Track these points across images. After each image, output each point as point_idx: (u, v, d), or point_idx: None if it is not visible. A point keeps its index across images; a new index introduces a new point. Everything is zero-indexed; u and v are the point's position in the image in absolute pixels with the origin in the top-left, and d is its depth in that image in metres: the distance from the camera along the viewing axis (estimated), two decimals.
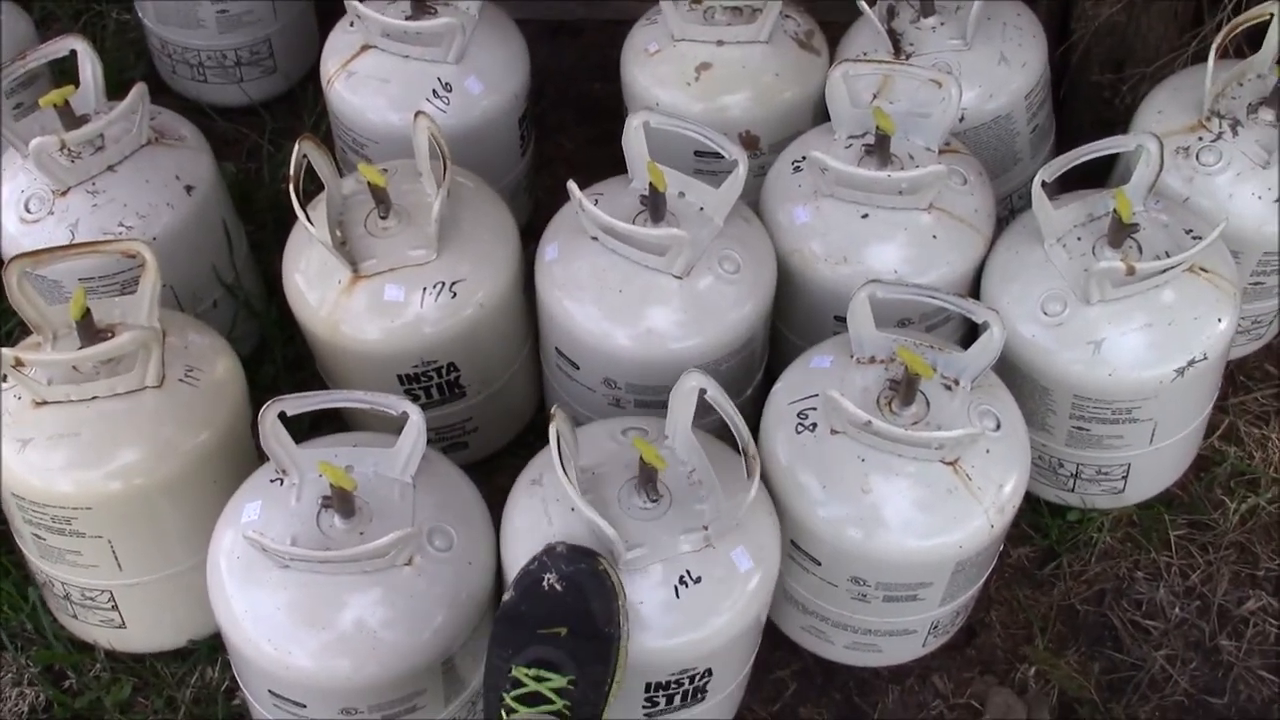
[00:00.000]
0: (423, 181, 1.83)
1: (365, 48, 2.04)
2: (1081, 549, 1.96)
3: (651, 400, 1.82)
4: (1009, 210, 2.11)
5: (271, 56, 2.45)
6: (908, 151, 1.86)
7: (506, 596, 1.47)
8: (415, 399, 1.80)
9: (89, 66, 1.88)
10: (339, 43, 2.08)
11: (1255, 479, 2.02)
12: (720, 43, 2.04)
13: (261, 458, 1.69)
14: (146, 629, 1.80)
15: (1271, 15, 1.89)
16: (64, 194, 1.84)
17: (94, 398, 1.62)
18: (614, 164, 2.35)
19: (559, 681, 1.40)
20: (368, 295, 1.77)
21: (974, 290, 1.87)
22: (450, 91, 2.02)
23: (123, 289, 1.83)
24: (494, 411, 1.96)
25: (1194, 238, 1.76)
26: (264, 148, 2.41)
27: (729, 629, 1.55)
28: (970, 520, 1.61)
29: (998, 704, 1.83)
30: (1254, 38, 1.95)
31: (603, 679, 1.44)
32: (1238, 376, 2.12)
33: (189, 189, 1.90)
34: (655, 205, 1.75)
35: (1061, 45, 2.19)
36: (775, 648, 1.84)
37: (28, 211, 1.85)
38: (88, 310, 1.61)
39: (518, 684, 1.40)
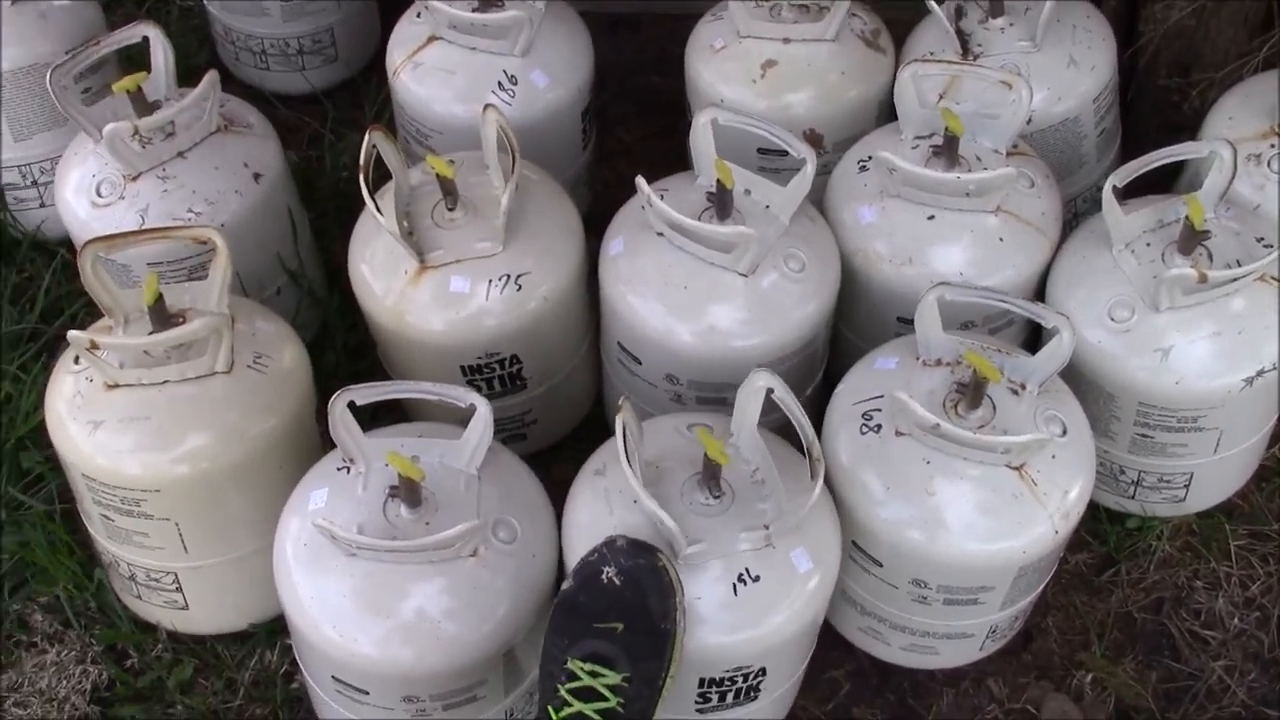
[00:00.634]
0: (489, 174, 1.83)
1: (432, 39, 2.04)
2: (1140, 557, 1.95)
3: (713, 397, 1.83)
4: (1073, 214, 2.10)
5: (334, 45, 2.47)
6: (975, 153, 1.85)
7: (566, 585, 1.48)
8: (477, 390, 1.81)
9: (160, 53, 1.90)
10: (405, 34, 2.09)
11: None
12: (787, 40, 2.04)
13: (326, 445, 1.71)
14: (209, 611, 1.82)
15: None
16: (135, 179, 1.86)
17: (165, 382, 1.64)
18: (673, 158, 2.35)
19: (613, 678, 1.41)
20: (433, 286, 1.78)
21: (1039, 294, 1.87)
22: (516, 84, 2.02)
23: (190, 274, 1.85)
24: (553, 404, 1.97)
25: (1265, 246, 1.74)
26: (325, 136, 2.42)
27: (785, 629, 1.55)
28: (1034, 525, 1.61)
29: (1053, 710, 1.83)
30: None
31: (656, 675, 1.45)
32: None
33: (257, 176, 1.91)
34: (722, 202, 1.75)
35: (1129, 48, 2.17)
36: (831, 647, 1.84)
37: (99, 196, 1.87)
38: (160, 295, 1.62)
39: (573, 676, 1.41)
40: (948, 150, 1.82)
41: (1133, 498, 1.93)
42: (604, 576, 1.46)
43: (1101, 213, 1.77)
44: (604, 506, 1.57)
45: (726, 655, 1.55)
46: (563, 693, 1.40)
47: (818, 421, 1.73)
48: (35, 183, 2.18)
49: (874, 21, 2.10)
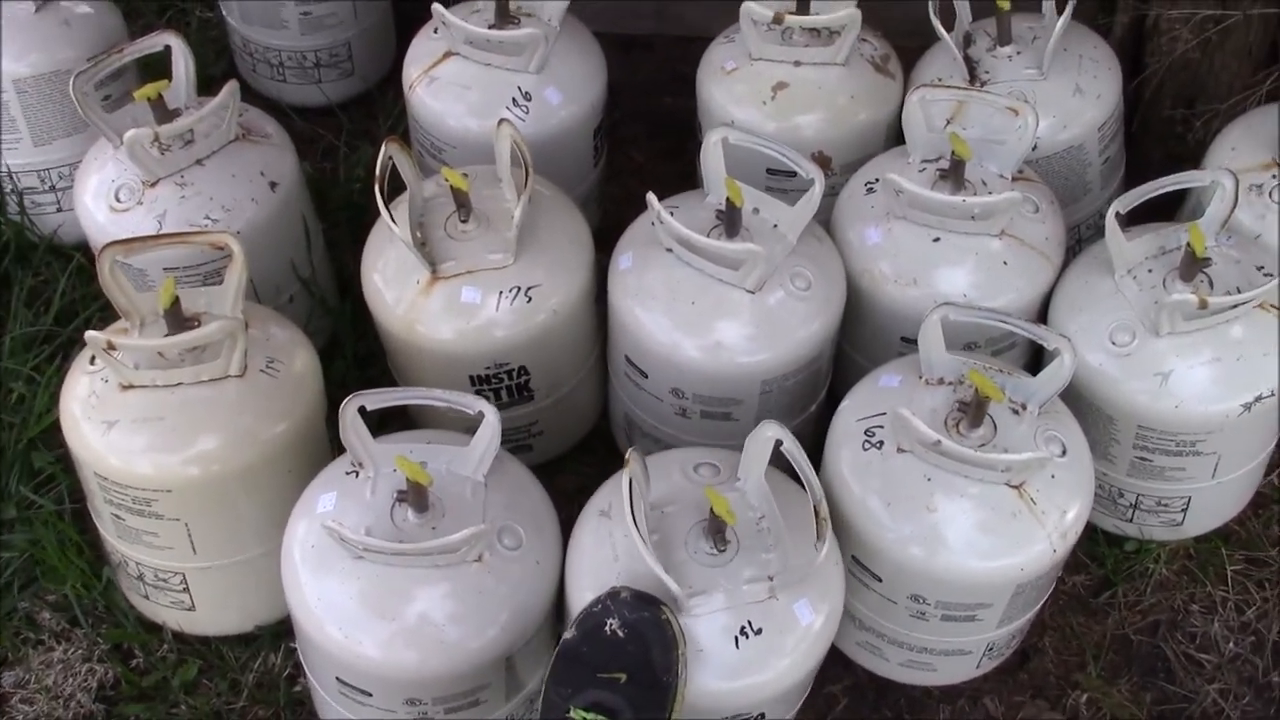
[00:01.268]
0: (502, 187, 1.87)
1: (448, 54, 2.08)
2: (1137, 579, 1.97)
3: (718, 412, 1.85)
4: (1076, 240, 2.13)
5: (350, 59, 2.50)
6: (980, 178, 1.88)
7: (568, 634, 1.49)
8: (485, 400, 1.83)
9: (181, 62, 1.93)
10: (422, 49, 2.12)
11: None
12: (797, 63, 2.07)
13: (335, 451, 1.73)
14: (214, 612, 1.84)
15: None
16: (153, 185, 1.89)
17: (179, 384, 1.66)
18: (683, 177, 2.38)
19: None
20: (445, 296, 1.80)
21: (1041, 318, 1.89)
22: (530, 100, 2.05)
23: (205, 280, 1.88)
24: (560, 416, 1.99)
25: (1265, 274, 1.77)
26: (340, 148, 2.45)
27: (786, 679, 1.56)
28: (1033, 544, 1.63)
29: None
30: None
31: None
32: None
33: (273, 185, 1.94)
34: (731, 220, 1.78)
35: (1135, 79, 2.20)
36: (829, 663, 1.84)
37: (117, 201, 1.89)
38: (177, 298, 1.65)
39: None
40: (954, 174, 1.85)
41: (1131, 520, 1.95)
42: (607, 628, 1.47)
43: (1104, 239, 1.80)
44: (609, 551, 1.57)
45: (727, 703, 1.56)
46: None
47: (820, 437, 1.76)
48: (54, 187, 2.21)
49: (884, 47, 2.13)
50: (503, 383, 1.88)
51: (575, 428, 2.07)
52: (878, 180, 1.91)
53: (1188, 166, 2.06)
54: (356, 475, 1.60)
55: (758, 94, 2.07)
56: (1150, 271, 1.80)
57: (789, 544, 1.54)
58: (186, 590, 1.79)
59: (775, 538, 1.56)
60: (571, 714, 1.41)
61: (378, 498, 1.58)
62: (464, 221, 1.82)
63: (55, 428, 1.92)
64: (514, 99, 2.05)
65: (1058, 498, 1.63)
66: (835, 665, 1.87)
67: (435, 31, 2.11)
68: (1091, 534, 1.98)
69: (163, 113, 1.88)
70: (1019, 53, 2.05)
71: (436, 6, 2.02)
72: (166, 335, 1.66)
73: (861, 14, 2.02)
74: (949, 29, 2.04)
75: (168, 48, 1.93)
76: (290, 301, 2.05)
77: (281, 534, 1.63)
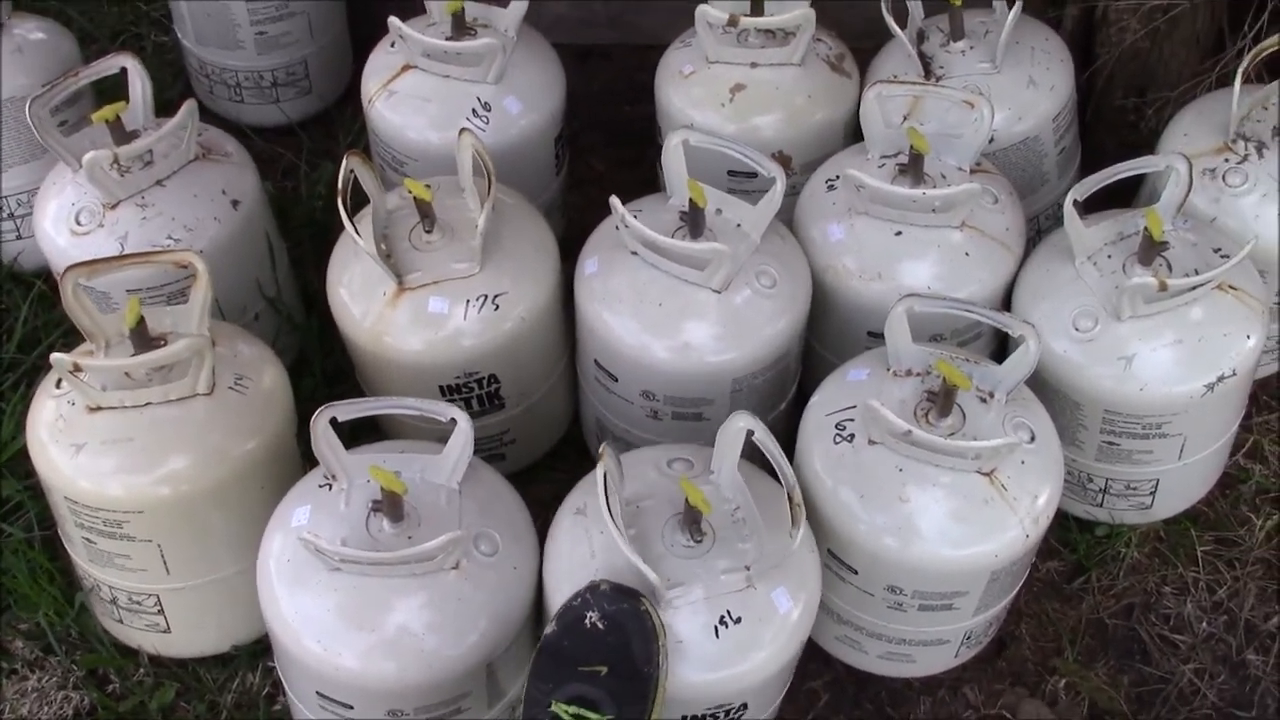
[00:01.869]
0: (465, 197, 1.87)
1: (406, 67, 2.08)
2: (1110, 564, 1.99)
3: (689, 413, 1.86)
4: (1036, 231, 2.15)
5: (308, 77, 2.50)
6: (939, 171, 1.90)
7: (548, 629, 1.49)
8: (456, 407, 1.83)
9: (139, 84, 1.93)
10: (380, 63, 2.12)
11: None
12: (754, 65, 2.08)
13: (306, 466, 1.73)
14: (190, 634, 1.82)
15: None
16: (114, 207, 1.88)
17: (147, 404, 1.65)
18: (644, 185, 2.39)
19: None
20: (412, 307, 1.80)
21: (1004, 307, 1.91)
22: (489, 111, 2.06)
23: (169, 300, 1.87)
24: (531, 424, 2.00)
25: (1222, 256, 1.80)
26: (300, 167, 2.45)
27: (766, 668, 1.56)
28: (1006, 530, 1.64)
29: (1029, 715, 1.86)
30: (1275, 64, 2.00)
31: (640, 718, 1.46)
32: (1260, 396, 2.15)
33: (235, 203, 1.94)
34: (695, 221, 1.79)
35: (1086, 70, 2.23)
36: (809, 659, 1.86)
37: (78, 224, 1.88)
38: (142, 318, 1.64)
39: (556, 719, 1.42)
40: (913, 168, 1.87)
41: (1101, 505, 1.97)
42: (587, 621, 1.47)
43: (1063, 227, 1.82)
44: (586, 549, 1.57)
45: (708, 694, 1.56)
46: None
47: (792, 434, 1.77)
48: (12, 215, 2.20)
49: (839, 46, 2.15)
50: (473, 392, 1.88)
51: (547, 435, 2.07)
52: (838, 177, 1.92)
53: (1141, 154, 2.08)
54: (330, 488, 1.60)
55: (716, 96, 2.09)
56: (1110, 257, 1.83)
57: (764, 533, 1.55)
58: (161, 612, 1.78)
59: (751, 528, 1.57)
60: (553, 708, 1.41)
61: (352, 509, 1.57)
62: (428, 232, 1.83)
63: (21, 455, 1.91)
64: (474, 109, 2.05)
65: (1028, 483, 1.65)
66: (815, 661, 1.88)
67: (393, 45, 2.11)
68: (1063, 520, 1.99)
69: (121, 134, 1.87)
70: (972, 47, 2.07)
71: (393, 20, 2.02)
72: (133, 355, 1.65)
73: (815, 14, 2.03)
74: (902, 26, 2.06)
75: (124, 70, 1.92)
76: (256, 319, 2.04)
77: (255, 552, 1.62)
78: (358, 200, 1.81)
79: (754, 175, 1.86)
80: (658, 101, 2.18)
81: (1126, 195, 2.06)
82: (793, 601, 1.56)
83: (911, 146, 1.85)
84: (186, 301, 1.72)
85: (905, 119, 2.00)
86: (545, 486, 2.02)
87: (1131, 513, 1.98)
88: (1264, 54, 1.95)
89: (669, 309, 1.79)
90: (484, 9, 2.09)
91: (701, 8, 2.04)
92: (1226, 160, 1.95)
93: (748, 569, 1.53)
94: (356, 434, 1.86)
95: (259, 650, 1.84)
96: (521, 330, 1.84)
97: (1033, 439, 1.67)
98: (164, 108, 1.97)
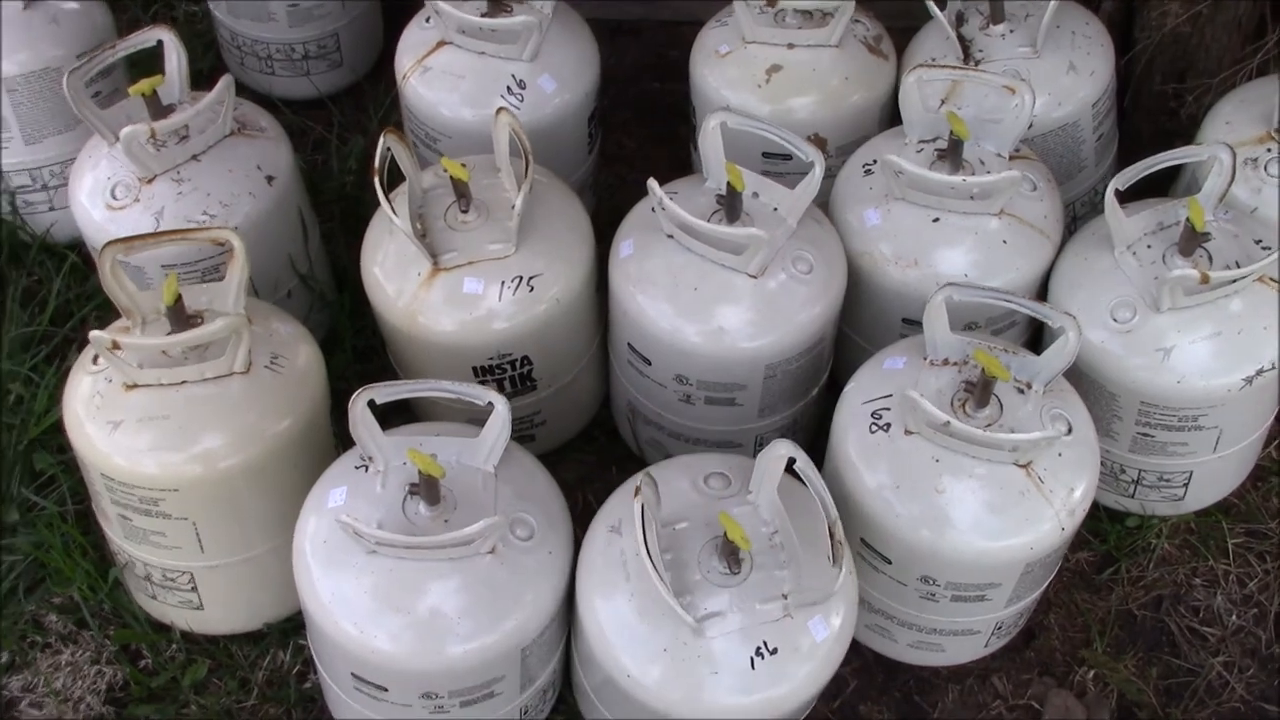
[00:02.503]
0: (500, 177, 1.86)
1: (441, 44, 2.07)
2: (1140, 555, 1.98)
3: (722, 398, 1.85)
4: (1072, 218, 2.13)
5: (339, 50, 2.49)
6: (978, 156, 1.89)
7: None
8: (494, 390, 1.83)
9: (175, 57, 1.92)
10: (415, 39, 2.11)
11: None
12: (791, 46, 2.07)
13: (339, 445, 1.73)
14: (223, 611, 1.83)
15: None
16: (150, 181, 1.87)
17: (183, 382, 1.65)
18: (674, 162, 2.38)
19: None
20: (446, 287, 1.80)
21: (1041, 295, 1.90)
22: (524, 88, 2.04)
23: (203, 276, 1.87)
24: (562, 405, 1.99)
25: (1264, 248, 1.78)
26: (331, 140, 2.44)
27: (800, 694, 1.55)
28: (1041, 522, 1.63)
29: (1057, 705, 1.86)
30: None
31: None
32: None
33: (270, 179, 1.93)
34: (732, 205, 1.78)
35: (1125, 55, 2.21)
36: None
37: (114, 198, 1.88)
38: (179, 296, 1.64)
39: None
40: (952, 154, 1.85)
41: (1133, 496, 1.96)
42: None
43: (1102, 215, 1.81)
44: (620, 572, 1.56)
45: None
46: None
47: (823, 420, 1.76)
48: (45, 186, 2.19)
49: (876, 28, 2.13)
50: (505, 373, 1.88)
51: (577, 417, 2.07)
52: (875, 162, 1.91)
53: (1179, 141, 2.07)
54: (366, 469, 1.60)
55: (752, 77, 2.07)
56: (1149, 247, 1.81)
57: (803, 559, 1.53)
58: (195, 589, 1.79)
59: (789, 554, 1.54)
60: None
61: (388, 491, 1.57)
62: (464, 212, 1.82)
63: (56, 429, 1.92)
64: (508, 87, 2.04)
65: (1065, 476, 1.64)
66: None
67: (427, 21, 2.10)
68: (1094, 511, 1.98)
69: (157, 108, 1.86)
70: (1012, 31, 2.05)
71: None
72: (170, 333, 1.65)
73: None
74: (941, 8, 2.04)
75: (160, 43, 1.91)
76: (289, 296, 2.04)
77: (288, 530, 1.62)
78: (393, 178, 1.81)
79: (788, 157, 1.84)
80: (692, 80, 2.16)
81: (1163, 184, 2.04)
82: (829, 629, 1.54)
83: (951, 132, 1.83)
84: (221, 278, 1.71)
85: (943, 102, 1.98)
86: (574, 467, 2.03)
87: (1163, 504, 1.97)
88: None
89: (704, 293, 1.78)
90: None
91: None
92: (1269, 150, 1.93)
93: (785, 598, 1.51)
94: (386, 414, 1.86)
95: (290, 628, 1.85)
96: (555, 312, 1.83)
97: (1070, 431, 1.66)
98: (196, 79, 1.96)
